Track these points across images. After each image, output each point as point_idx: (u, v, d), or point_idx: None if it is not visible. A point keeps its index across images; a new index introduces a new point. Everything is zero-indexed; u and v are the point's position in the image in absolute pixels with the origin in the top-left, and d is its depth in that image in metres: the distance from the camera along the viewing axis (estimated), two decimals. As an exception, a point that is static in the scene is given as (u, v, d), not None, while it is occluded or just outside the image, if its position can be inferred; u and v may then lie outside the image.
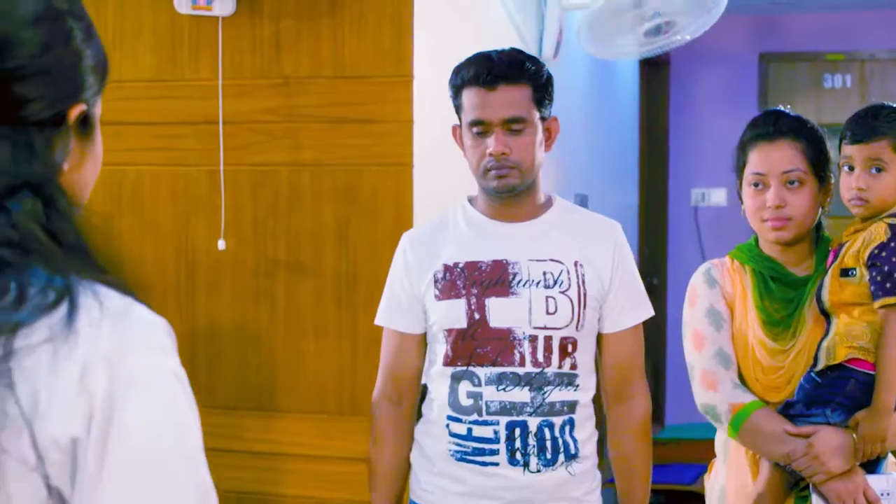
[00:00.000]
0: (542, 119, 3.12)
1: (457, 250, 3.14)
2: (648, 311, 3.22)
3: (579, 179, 6.42)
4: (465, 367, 3.08)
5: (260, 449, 4.24)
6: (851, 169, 3.09)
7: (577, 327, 3.08)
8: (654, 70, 8.82)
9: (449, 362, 3.11)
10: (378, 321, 3.26)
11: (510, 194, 3.11)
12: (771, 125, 3.19)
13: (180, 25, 4.27)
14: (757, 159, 3.19)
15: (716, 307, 3.22)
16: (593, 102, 6.95)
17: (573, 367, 3.08)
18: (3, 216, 1.30)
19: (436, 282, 3.12)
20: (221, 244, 4.19)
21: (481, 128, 3.07)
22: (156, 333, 1.40)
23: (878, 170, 3.05)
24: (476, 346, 3.07)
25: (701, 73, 8.97)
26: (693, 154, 8.92)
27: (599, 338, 3.19)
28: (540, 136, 3.10)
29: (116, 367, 1.30)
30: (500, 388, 3.04)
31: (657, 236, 8.83)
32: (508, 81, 3.06)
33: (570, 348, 3.08)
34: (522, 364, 3.04)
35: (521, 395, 3.04)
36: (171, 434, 1.35)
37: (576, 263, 3.10)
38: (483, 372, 3.06)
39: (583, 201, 6.29)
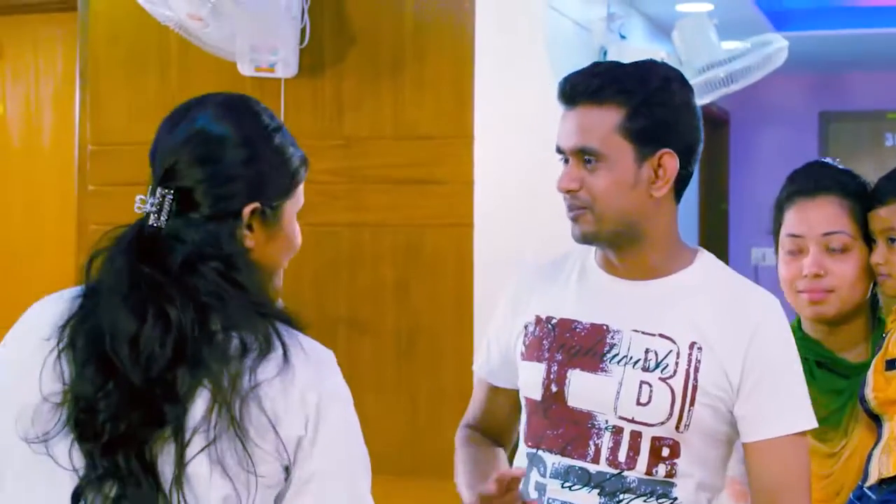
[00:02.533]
0: (643, 154, 2.35)
1: (555, 301, 2.48)
2: (806, 420, 2.38)
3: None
4: (534, 450, 2.45)
5: (320, 509, 4.22)
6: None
7: (677, 427, 2.33)
8: (714, 127, 8.81)
9: (525, 439, 2.49)
10: (473, 365, 2.71)
11: (597, 244, 2.45)
12: (812, 179, 2.69)
13: (243, 87, 4.30)
14: (794, 219, 2.66)
15: None
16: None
17: (670, 475, 2.34)
18: (203, 278, 1.87)
19: (525, 335, 2.50)
20: (280, 303, 4.20)
21: (562, 156, 2.42)
22: (334, 362, 1.96)
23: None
24: (548, 426, 2.42)
25: (761, 132, 8.95)
26: (753, 212, 8.85)
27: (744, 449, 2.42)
28: (631, 174, 2.34)
29: (320, 388, 1.88)
30: (566, 484, 2.38)
31: (717, 295, 8.76)
32: (589, 99, 2.35)
33: (665, 452, 2.34)
34: (596, 460, 2.36)
35: (589, 498, 2.36)
36: (354, 423, 1.95)
37: (692, 346, 2.35)
38: (551, 460, 2.41)
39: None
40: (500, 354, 2.57)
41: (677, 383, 2.32)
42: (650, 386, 2.34)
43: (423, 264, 4.11)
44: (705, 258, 2.47)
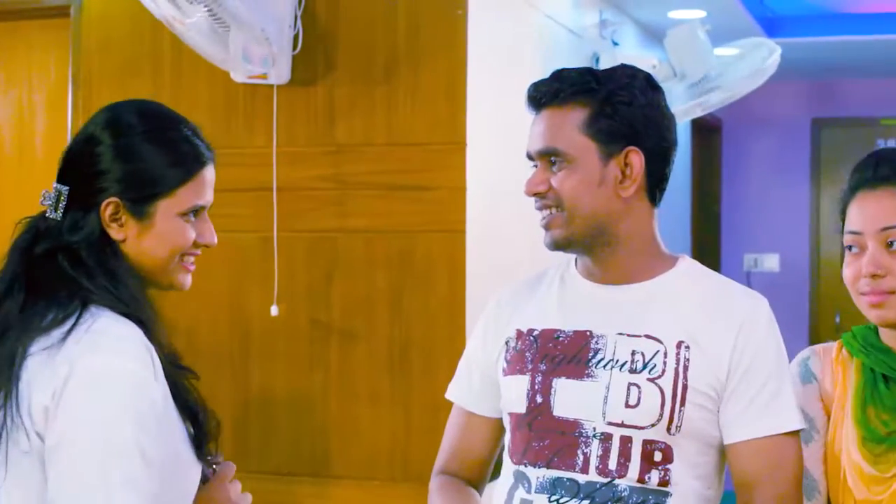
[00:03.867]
0: (608, 152, 2.32)
1: (537, 314, 2.42)
2: (788, 421, 2.30)
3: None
4: (519, 466, 2.34)
5: (313, 515, 4.23)
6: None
7: (668, 429, 2.25)
8: (707, 135, 8.82)
9: (510, 456, 2.39)
10: (447, 394, 2.59)
11: (570, 250, 2.40)
12: (871, 169, 2.39)
13: (235, 94, 4.31)
14: (853, 214, 2.37)
15: (807, 412, 2.40)
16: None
17: (663, 482, 2.25)
18: (54, 262, 2.05)
19: (507, 351, 2.43)
20: (274, 310, 4.21)
21: (532, 162, 2.40)
22: (123, 346, 1.97)
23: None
24: (533, 438, 2.32)
25: (753, 139, 8.96)
26: (745, 219, 8.90)
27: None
28: (597, 173, 2.31)
29: (78, 363, 1.94)
30: (553, 498, 2.27)
31: (710, 302, 8.75)
32: (553, 102, 2.35)
33: (657, 457, 2.25)
34: (585, 470, 2.26)
35: None
36: (107, 404, 1.93)
37: (679, 344, 2.28)
38: (535, 475, 2.30)
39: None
40: (480, 378, 2.49)
41: (666, 383, 2.26)
42: (638, 387, 2.26)
43: (415, 271, 4.11)
44: (688, 262, 2.43)
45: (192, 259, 2.20)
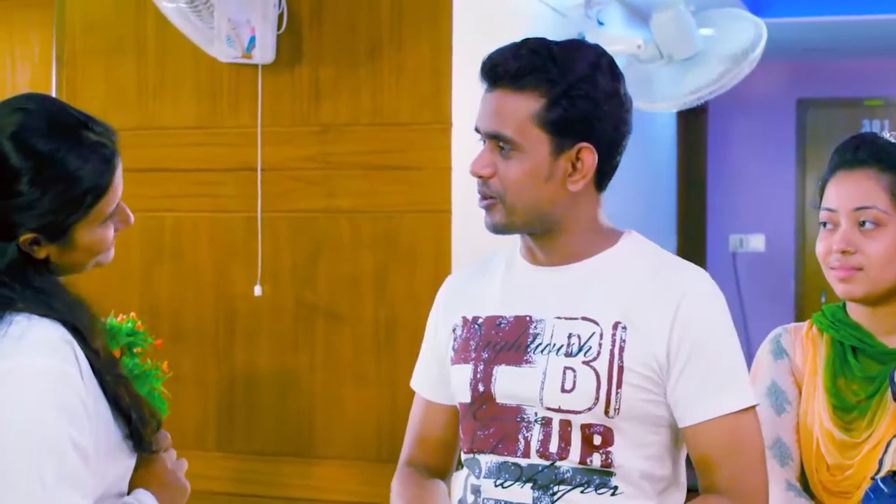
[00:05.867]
0: (560, 146, 2.22)
1: (481, 300, 2.38)
2: (740, 399, 2.23)
3: (616, 226, 6.40)
4: (470, 455, 2.32)
5: (298, 495, 4.23)
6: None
7: (606, 412, 2.20)
8: (692, 117, 8.81)
9: (462, 444, 2.38)
10: (411, 382, 2.60)
11: (511, 234, 2.34)
12: (851, 151, 2.49)
13: (220, 73, 4.30)
14: (830, 192, 2.49)
15: (780, 385, 2.51)
16: (630, 149, 6.95)
17: (606, 464, 2.21)
18: None
19: (454, 339, 2.39)
20: (258, 290, 4.21)
21: (480, 137, 2.30)
22: (37, 341, 1.91)
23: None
24: (478, 427, 2.30)
25: (738, 120, 8.97)
26: (731, 200, 8.90)
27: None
28: (546, 167, 2.23)
29: None
30: (499, 482, 2.25)
31: (695, 282, 8.77)
32: (508, 84, 2.24)
33: (597, 440, 2.21)
34: (526, 454, 2.24)
35: (522, 493, 2.23)
36: (26, 402, 1.87)
37: (616, 325, 2.22)
38: (485, 461, 2.28)
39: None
40: (437, 366, 2.45)
41: (601, 366, 2.19)
42: (574, 371, 2.20)
43: (400, 251, 4.11)
44: (632, 238, 2.35)
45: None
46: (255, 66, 4.21)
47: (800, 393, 2.50)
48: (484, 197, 2.27)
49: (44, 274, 2.02)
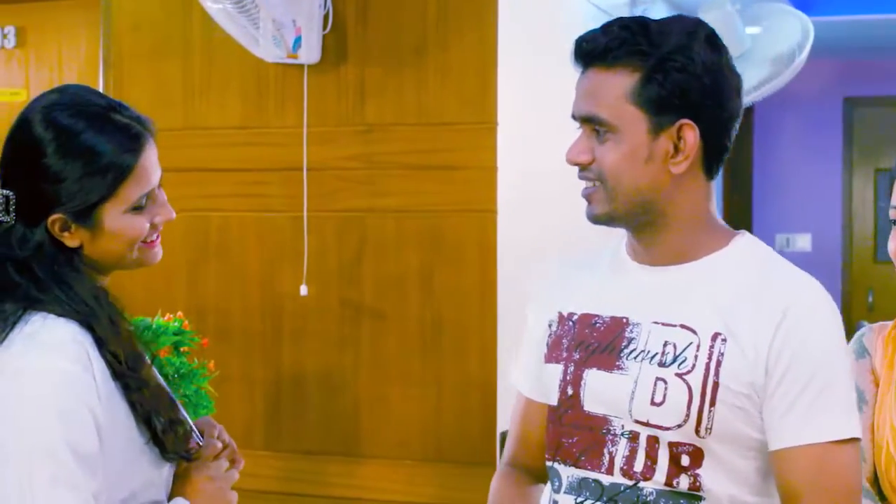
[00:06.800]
0: (658, 125, 2.04)
1: (579, 295, 2.20)
2: (836, 428, 1.99)
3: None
4: (551, 463, 2.16)
5: (343, 494, 4.24)
6: None
7: (697, 430, 2.00)
8: (738, 114, 8.77)
9: (545, 450, 2.20)
10: (512, 378, 2.40)
11: (613, 225, 2.14)
12: None
13: (266, 73, 4.31)
14: None
15: (858, 385, 2.30)
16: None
17: (694, 488, 2.01)
18: (4, 271, 2.01)
19: (549, 335, 2.22)
20: (304, 289, 4.22)
21: (577, 125, 2.12)
22: (50, 342, 1.92)
23: None
24: (563, 434, 2.13)
25: (785, 118, 8.91)
26: (778, 199, 8.85)
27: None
28: (645, 147, 2.04)
29: (4, 365, 1.91)
30: (579, 500, 2.09)
31: (741, 282, 8.74)
32: (599, 62, 2.07)
33: (685, 461, 2.01)
34: (610, 471, 2.06)
35: None
36: (26, 403, 1.89)
37: (715, 336, 2.02)
38: (565, 473, 2.12)
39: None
40: (535, 361, 2.25)
41: (695, 380, 2.00)
42: (665, 383, 2.01)
43: (445, 251, 4.11)
44: (745, 239, 2.14)
45: (154, 235, 2.11)
46: (301, 66, 4.22)
47: (877, 391, 2.34)
48: (584, 179, 2.09)
49: (72, 265, 2.03)
